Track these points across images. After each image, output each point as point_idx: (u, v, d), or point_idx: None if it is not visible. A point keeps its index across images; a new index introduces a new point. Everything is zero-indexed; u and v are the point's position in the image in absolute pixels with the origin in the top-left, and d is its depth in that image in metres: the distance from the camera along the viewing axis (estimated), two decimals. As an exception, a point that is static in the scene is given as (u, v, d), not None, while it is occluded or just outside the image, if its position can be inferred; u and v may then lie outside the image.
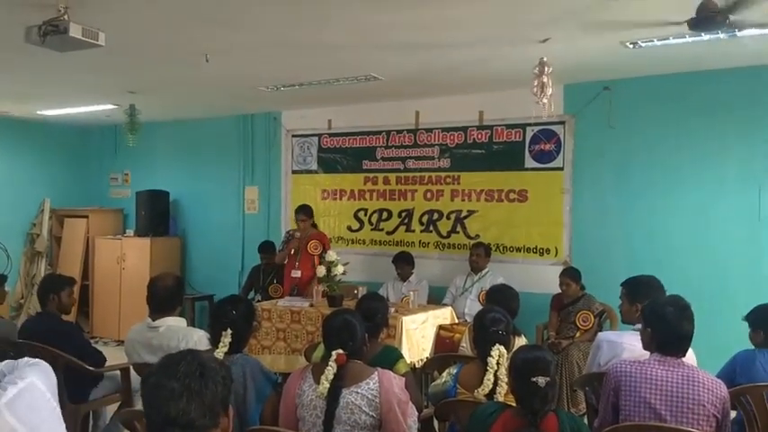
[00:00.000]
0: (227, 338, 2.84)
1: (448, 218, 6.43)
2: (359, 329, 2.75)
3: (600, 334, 3.42)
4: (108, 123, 8.19)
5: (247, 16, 3.85)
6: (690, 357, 2.75)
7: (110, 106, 6.91)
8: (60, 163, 8.62)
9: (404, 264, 6.16)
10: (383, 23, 3.97)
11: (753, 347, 3.50)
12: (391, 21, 3.92)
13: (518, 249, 6.08)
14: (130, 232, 8.09)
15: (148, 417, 1.51)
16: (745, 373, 3.32)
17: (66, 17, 3.46)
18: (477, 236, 6.23)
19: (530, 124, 5.89)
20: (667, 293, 3.12)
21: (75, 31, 3.48)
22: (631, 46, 4.35)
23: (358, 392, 2.55)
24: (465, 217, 6.34)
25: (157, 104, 6.79)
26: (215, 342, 2.89)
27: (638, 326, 2.96)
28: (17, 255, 8.14)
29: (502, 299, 3.64)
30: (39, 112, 7.46)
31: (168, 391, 1.47)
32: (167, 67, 5.16)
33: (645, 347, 2.75)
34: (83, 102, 6.85)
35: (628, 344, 3.10)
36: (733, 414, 2.78)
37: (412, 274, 6.18)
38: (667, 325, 2.61)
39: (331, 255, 5.30)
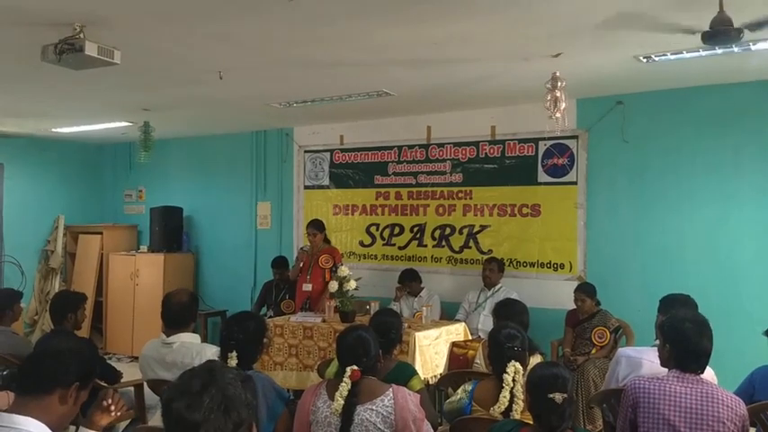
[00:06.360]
0: (232, 361, 2.82)
1: (460, 233, 6.40)
2: (373, 345, 2.74)
3: (620, 349, 3.38)
4: (122, 140, 8.27)
5: (261, 34, 3.88)
6: (709, 375, 2.71)
7: (124, 124, 6.98)
8: (75, 180, 8.70)
9: (410, 280, 6.09)
10: (395, 40, 3.98)
11: (771, 363, 3.44)
12: (403, 37, 3.93)
13: (531, 264, 6.04)
14: (144, 248, 8.12)
15: None
16: (764, 390, 3.26)
17: (81, 35, 3.51)
18: (490, 251, 6.20)
19: (542, 138, 5.87)
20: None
21: (90, 50, 3.53)
22: (645, 60, 4.34)
23: (373, 409, 2.53)
24: (477, 232, 6.31)
25: (171, 121, 6.85)
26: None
27: (657, 342, 2.92)
28: (31, 271, 8.20)
29: (511, 313, 3.60)
30: (54, 130, 7.53)
31: (192, 425, 1.48)
32: (181, 85, 5.20)
33: (663, 364, 2.71)
34: (98, 119, 6.92)
35: (647, 360, 3.07)
36: (752, 431, 2.73)
37: (422, 288, 6.13)
38: (686, 341, 2.57)
39: (343, 270, 5.26)
